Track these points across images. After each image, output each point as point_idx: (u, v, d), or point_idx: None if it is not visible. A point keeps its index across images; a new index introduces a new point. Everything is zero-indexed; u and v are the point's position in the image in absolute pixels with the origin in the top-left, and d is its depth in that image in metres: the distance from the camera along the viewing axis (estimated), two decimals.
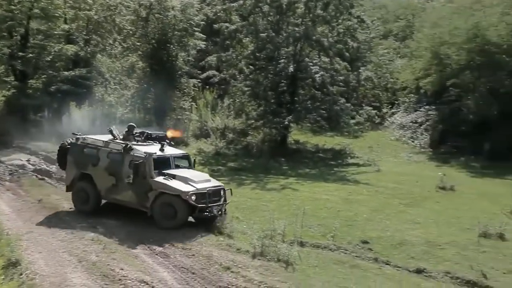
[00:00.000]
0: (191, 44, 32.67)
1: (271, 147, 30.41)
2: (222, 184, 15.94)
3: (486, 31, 31.37)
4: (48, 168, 21.14)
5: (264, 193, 20.38)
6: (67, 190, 16.67)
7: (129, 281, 10.97)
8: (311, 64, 31.46)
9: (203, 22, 34.75)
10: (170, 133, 17.84)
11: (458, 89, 33.58)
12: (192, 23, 32.12)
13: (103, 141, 16.04)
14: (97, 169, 15.74)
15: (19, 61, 29.86)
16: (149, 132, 16.98)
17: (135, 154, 15.25)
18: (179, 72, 32.52)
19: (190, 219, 15.05)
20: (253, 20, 32.74)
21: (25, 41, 30.45)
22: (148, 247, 13.34)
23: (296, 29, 31.35)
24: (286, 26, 32.40)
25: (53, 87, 30.44)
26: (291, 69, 30.54)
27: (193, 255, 12.74)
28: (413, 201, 19.50)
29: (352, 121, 33.40)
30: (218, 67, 35.94)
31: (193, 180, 14.92)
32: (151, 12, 31.53)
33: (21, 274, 10.97)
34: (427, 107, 36.52)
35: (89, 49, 33.33)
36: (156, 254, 12.90)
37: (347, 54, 33.15)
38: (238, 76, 34.03)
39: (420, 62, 36.64)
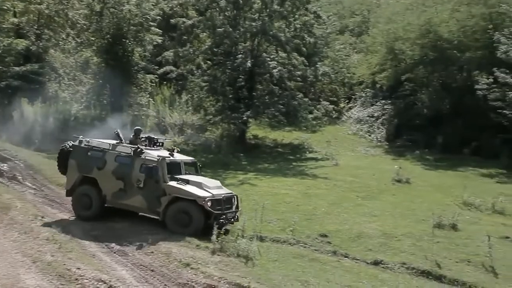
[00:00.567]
0: (147, 39, 32.21)
1: (230, 143, 30.42)
2: (233, 192, 15.59)
3: (438, 27, 32.11)
4: None
5: None
6: (68, 195, 15.89)
7: (86, 281, 10.74)
8: (268, 59, 31.58)
9: (159, 17, 34.33)
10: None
11: (413, 83, 34.32)
12: (148, 17, 31.65)
13: (110, 143, 15.51)
14: (103, 172, 15.11)
15: None
16: (153, 136, 16.50)
17: (146, 157, 14.76)
18: (136, 68, 32.01)
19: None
20: (210, 15, 32.58)
21: None
22: (106, 245, 13.14)
23: (253, 24, 31.35)
24: (243, 21, 32.36)
25: (3, 83, 29.47)
26: (248, 64, 30.53)
27: (152, 252, 12.59)
28: (370, 194, 19.83)
29: (310, 116, 33.65)
30: (175, 62, 35.63)
31: (207, 186, 14.57)
32: (105, 6, 30.90)
33: None
34: (383, 101, 37.13)
35: (41, 44, 32.48)
36: (114, 253, 12.71)
37: (304, 49, 33.42)
38: (195, 72, 33.82)
39: (375, 57, 37.20)
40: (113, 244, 13.14)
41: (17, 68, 30.11)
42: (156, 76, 34.28)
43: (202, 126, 31.89)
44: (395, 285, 11.68)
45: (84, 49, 33.03)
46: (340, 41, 45.14)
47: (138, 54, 32.23)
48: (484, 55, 30.32)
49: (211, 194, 14.23)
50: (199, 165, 16.59)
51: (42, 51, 32.45)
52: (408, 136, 32.29)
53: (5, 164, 19.99)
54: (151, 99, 33.11)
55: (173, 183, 14.46)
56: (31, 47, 31.65)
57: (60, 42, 34.06)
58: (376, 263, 12.93)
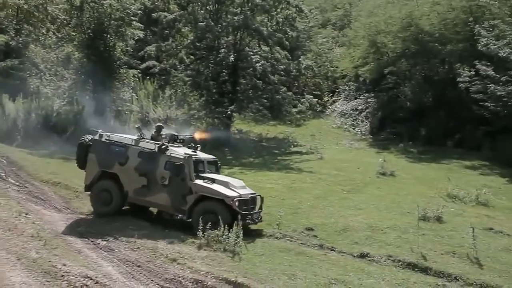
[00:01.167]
0: (129, 33, 31.91)
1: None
2: (257, 192, 15.36)
3: (419, 20, 32.40)
4: None
5: None
6: (86, 190, 15.60)
7: (72, 277, 10.63)
8: (251, 53, 31.56)
9: (141, 11, 34.10)
10: (198, 135, 17.25)
11: (395, 76, 34.63)
12: (129, 12, 31.34)
13: (132, 139, 15.22)
14: (126, 168, 14.80)
15: None
16: (175, 133, 16.25)
17: (171, 154, 14.52)
18: (118, 63, 31.71)
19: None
20: (191, 9, 32.51)
21: None
22: (91, 241, 13.04)
23: (235, 18, 31.29)
24: (225, 15, 32.31)
25: None
26: (231, 58, 30.45)
27: (138, 248, 12.53)
28: (355, 188, 19.92)
29: (294, 109, 33.78)
30: (158, 57, 35.47)
31: (234, 186, 14.34)
32: (85, 1, 30.52)
33: None
34: (366, 94, 37.41)
35: (20, 39, 32.00)
36: (100, 249, 12.63)
37: (287, 43, 33.48)
38: (178, 66, 33.71)
39: (358, 51, 37.41)
40: (99, 240, 13.04)
41: None
42: (138, 71, 34.06)
43: (186, 121, 31.69)
44: (381, 277, 11.75)
45: (65, 44, 32.62)
46: (322, 35, 45.34)
47: (120, 49, 31.95)
48: (465, 47, 30.61)
49: (238, 194, 14.04)
50: (219, 164, 16.34)
51: (22, 46, 31.97)
52: (391, 129, 32.57)
53: None
54: (134, 94, 32.83)
55: (199, 182, 14.23)
56: (10, 42, 31.20)
57: (40, 37, 33.59)
58: (362, 256, 12.98)
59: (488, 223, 15.56)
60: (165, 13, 33.89)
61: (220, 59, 30.95)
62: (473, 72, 28.12)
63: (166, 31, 34.28)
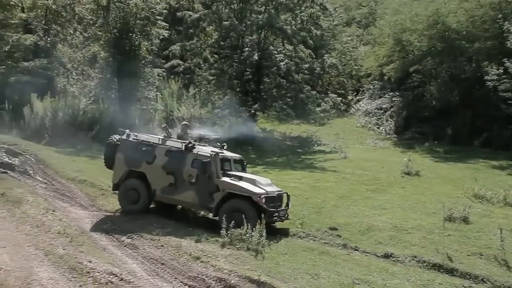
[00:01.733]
0: (154, 33, 32.13)
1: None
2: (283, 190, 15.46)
3: (446, 17, 31.92)
4: (10, 161, 20.50)
5: None
6: (114, 189, 15.81)
7: (97, 274, 10.82)
8: (275, 52, 31.56)
9: (166, 11, 34.31)
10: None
11: (421, 75, 34.25)
12: (154, 11, 31.55)
13: (159, 138, 15.46)
14: (153, 167, 14.93)
15: None
16: (202, 133, 16.50)
17: (199, 152, 14.64)
18: (143, 62, 31.98)
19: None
20: (216, 8, 32.58)
21: None
22: (116, 239, 13.20)
23: (259, 17, 31.31)
24: (249, 14, 32.33)
25: (12, 78, 29.54)
26: (255, 57, 30.49)
27: (162, 246, 12.65)
28: (380, 187, 19.75)
29: (318, 108, 33.68)
30: (182, 56, 35.65)
31: (260, 183, 14.36)
32: (111, 1, 30.84)
33: None
34: (391, 93, 37.06)
35: (49, 39, 32.49)
36: (125, 246, 12.77)
37: (311, 41, 33.39)
38: (203, 65, 33.87)
39: (383, 49, 37.07)
40: (123, 238, 13.20)
41: (26, 63, 30.13)
42: (163, 70, 34.31)
43: (210, 120, 31.82)
44: (405, 278, 11.66)
45: (91, 44, 32.98)
46: (347, 33, 45.08)
47: (145, 48, 32.16)
48: (494, 45, 30.16)
49: (265, 191, 14.03)
50: (245, 162, 16.41)
51: (50, 46, 32.46)
52: (417, 128, 32.21)
53: (16, 159, 20.05)
54: (158, 93, 33.05)
55: (226, 179, 14.31)
56: (39, 42, 31.65)
57: (68, 37, 34.05)
58: (386, 256, 12.89)
59: None
60: (190, 12, 34.04)
61: (244, 58, 31.01)
62: (501, 70, 27.70)
63: (191, 30, 34.42)
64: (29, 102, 27.22)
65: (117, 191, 15.72)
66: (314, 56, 33.68)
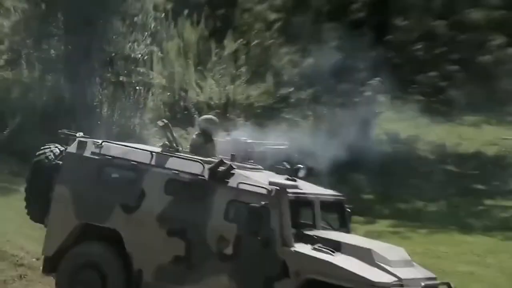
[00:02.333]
0: None
1: None
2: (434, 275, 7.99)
3: None
4: None
5: None
6: (47, 270, 9.11)
7: None
8: None
9: None
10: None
11: None
12: None
13: (150, 151, 8.12)
14: (138, 219, 7.75)
15: None
16: (240, 139, 8.53)
17: (240, 187, 7.58)
18: None
19: None
20: None
21: None
22: None
23: None
24: None
25: None
26: None
27: None
28: None
29: None
30: None
31: (385, 259, 7.47)
32: None
33: None
34: None
35: None
36: None
37: None
38: None
39: None
40: None
41: None
42: None
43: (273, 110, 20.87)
44: None
45: None
46: None
47: None
48: None
49: (396, 279, 7.23)
50: (349, 208, 8.54)
51: None
52: None
53: None
54: (154, 48, 20.94)
55: (304, 249, 7.34)
56: None
57: None
58: None
59: None
60: None
61: None
62: None
63: None
64: None
65: (53, 274, 8.35)
66: None
